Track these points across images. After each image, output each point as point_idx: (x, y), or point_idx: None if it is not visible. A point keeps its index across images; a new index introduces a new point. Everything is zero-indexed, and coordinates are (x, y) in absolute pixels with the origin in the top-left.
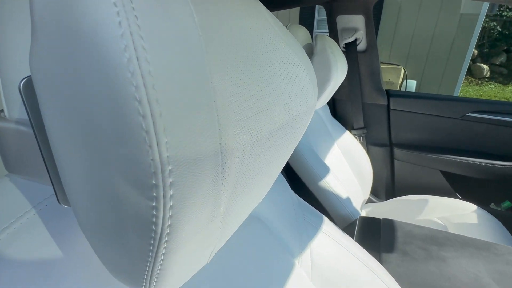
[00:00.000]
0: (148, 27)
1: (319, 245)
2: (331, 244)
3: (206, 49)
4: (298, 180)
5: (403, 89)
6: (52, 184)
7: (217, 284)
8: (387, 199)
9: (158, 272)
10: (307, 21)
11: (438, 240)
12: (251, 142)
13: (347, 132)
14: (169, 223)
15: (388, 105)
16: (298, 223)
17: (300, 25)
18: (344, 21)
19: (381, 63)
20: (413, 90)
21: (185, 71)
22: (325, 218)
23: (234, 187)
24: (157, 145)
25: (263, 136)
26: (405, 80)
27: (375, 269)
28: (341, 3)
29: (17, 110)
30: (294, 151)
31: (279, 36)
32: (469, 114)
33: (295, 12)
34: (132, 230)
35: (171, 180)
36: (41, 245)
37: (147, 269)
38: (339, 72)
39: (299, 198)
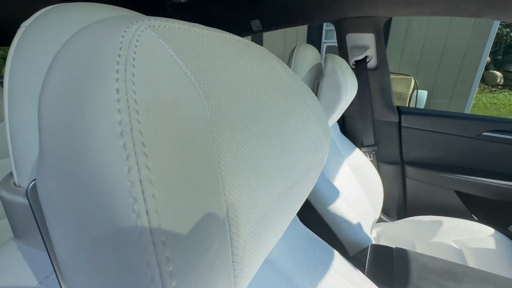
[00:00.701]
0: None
1: (330, 284)
2: (342, 283)
3: (219, 158)
4: (308, 204)
5: (413, 100)
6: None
7: None
8: (398, 218)
9: None
10: (315, 31)
11: (455, 276)
12: (263, 212)
13: (357, 149)
14: None
15: (400, 122)
16: (308, 260)
17: (309, 45)
18: (353, 39)
19: (391, 73)
20: (424, 100)
21: (194, 209)
22: (335, 253)
23: (248, 263)
24: None
25: (277, 198)
26: (415, 91)
27: None
28: (351, 21)
29: (26, 180)
30: None
31: (292, 91)
32: (485, 133)
33: None
34: None
35: None
36: None
37: None
38: (349, 92)
39: (308, 230)
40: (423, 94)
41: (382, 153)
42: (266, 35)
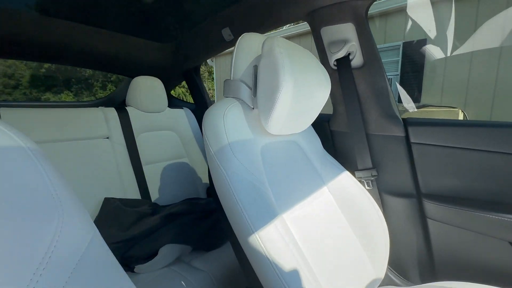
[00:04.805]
0: None
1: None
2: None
3: None
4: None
5: None
6: None
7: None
8: (422, 282)
9: None
10: None
11: None
12: None
13: (347, 173)
14: None
15: (407, 137)
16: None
17: (256, 34)
18: (329, 32)
19: (432, 106)
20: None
21: None
22: None
23: None
24: None
25: None
26: None
27: None
28: (323, 11)
29: None
30: (222, 184)
31: None
32: None
33: None
34: None
35: None
36: None
37: None
38: (296, 76)
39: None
40: None
41: (386, 181)
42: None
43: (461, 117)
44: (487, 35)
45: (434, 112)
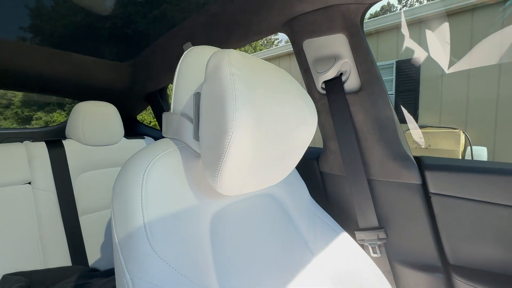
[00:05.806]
0: None
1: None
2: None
3: None
4: None
5: (468, 158)
6: None
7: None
8: None
9: None
10: None
11: None
12: None
13: (344, 236)
14: None
15: (425, 186)
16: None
17: (210, 47)
18: (315, 46)
19: (431, 127)
20: (485, 160)
21: None
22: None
23: None
24: None
25: None
26: (468, 148)
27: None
28: (305, 19)
29: None
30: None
31: None
32: None
33: None
34: None
35: None
36: None
37: None
38: (258, 110)
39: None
40: (481, 151)
41: (398, 246)
42: None
43: (462, 139)
44: (484, 51)
45: (433, 134)
